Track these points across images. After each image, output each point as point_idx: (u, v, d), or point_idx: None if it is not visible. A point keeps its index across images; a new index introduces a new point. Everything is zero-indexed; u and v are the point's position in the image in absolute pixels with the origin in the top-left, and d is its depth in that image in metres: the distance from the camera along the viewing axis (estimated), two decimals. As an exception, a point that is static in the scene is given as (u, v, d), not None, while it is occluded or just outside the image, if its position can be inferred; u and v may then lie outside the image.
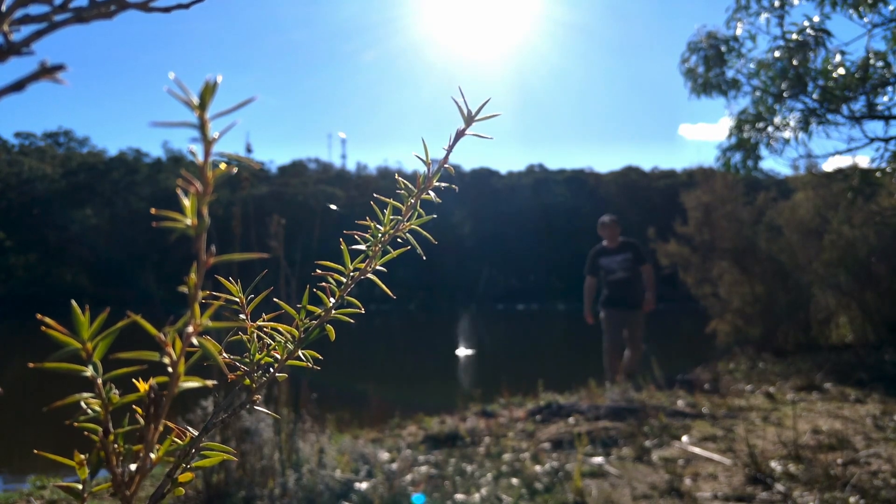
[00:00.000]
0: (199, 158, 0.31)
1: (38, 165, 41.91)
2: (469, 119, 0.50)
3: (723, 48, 4.16)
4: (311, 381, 2.62)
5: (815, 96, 3.86)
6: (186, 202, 0.31)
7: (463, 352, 12.44)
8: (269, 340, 0.49)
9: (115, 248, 37.35)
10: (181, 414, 2.25)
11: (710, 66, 4.20)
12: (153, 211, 0.32)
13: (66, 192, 40.56)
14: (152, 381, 0.37)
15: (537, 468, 2.48)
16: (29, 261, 36.48)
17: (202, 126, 0.30)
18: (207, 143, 0.30)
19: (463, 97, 0.50)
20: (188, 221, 0.30)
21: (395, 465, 2.54)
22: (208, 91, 0.30)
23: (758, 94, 4.19)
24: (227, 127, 0.31)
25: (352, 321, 0.51)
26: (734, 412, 3.11)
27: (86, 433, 0.38)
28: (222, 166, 0.32)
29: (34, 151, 45.73)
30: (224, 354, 0.46)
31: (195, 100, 0.30)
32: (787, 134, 4.14)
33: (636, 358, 5.58)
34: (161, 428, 0.38)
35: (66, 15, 0.37)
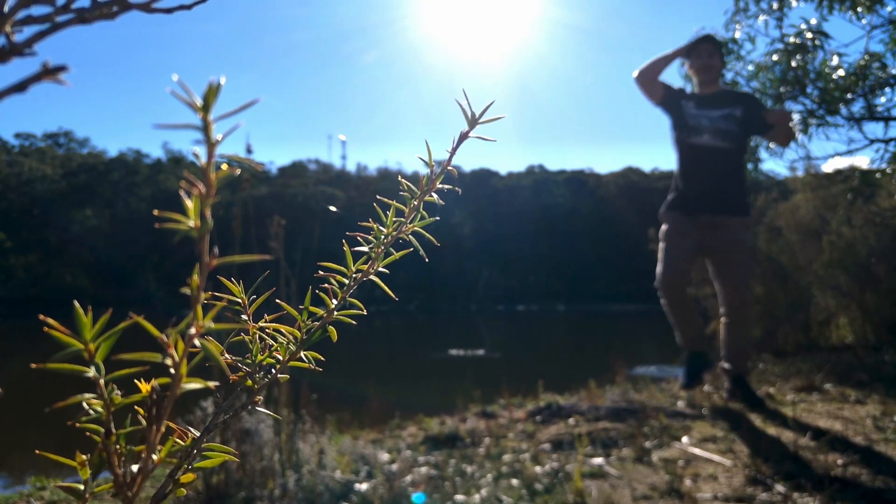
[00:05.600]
0: (202, 160, 0.31)
1: (39, 166, 41.94)
2: (473, 121, 0.50)
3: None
4: (312, 381, 2.62)
5: (814, 98, 3.86)
6: (189, 204, 0.31)
7: (462, 353, 12.42)
8: (270, 342, 0.49)
9: (115, 249, 37.39)
10: (181, 415, 2.24)
11: (709, 69, 4.19)
12: (156, 212, 0.32)
13: (67, 193, 40.59)
14: (154, 382, 0.37)
15: (537, 469, 2.48)
16: (29, 262, 36.50)
17: (205, 128, 0.30)
18: (211, 145, 0.30)
19: (467, 99, 0.50)
20: (191, 223, 0.30)
21: (395, 466, 2.54)
22: (212, 93, 0.30)
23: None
24: (230, 129, 0.31)
25: (353, 322, 0.51)
26: (734, 412, 3.11)
27: (88, 434, 0.38)
28: (224, 167, 0.32)
29: (34, 152, 45.79)
30: (226, 355, 0.46)
31: (198, 102, 0.30)
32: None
33: (745, 323, 3.16)
34: (163, 429, 0.38)
35: (68, 16, 0.37)
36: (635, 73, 3.41)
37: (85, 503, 0.40)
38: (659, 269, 3.25)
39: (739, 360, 3.23)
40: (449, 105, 0.51)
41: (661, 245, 3.30)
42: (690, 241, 3.22)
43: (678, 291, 3.18)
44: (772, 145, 4.22)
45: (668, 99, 3.38)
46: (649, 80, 3.36)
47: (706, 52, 3.34)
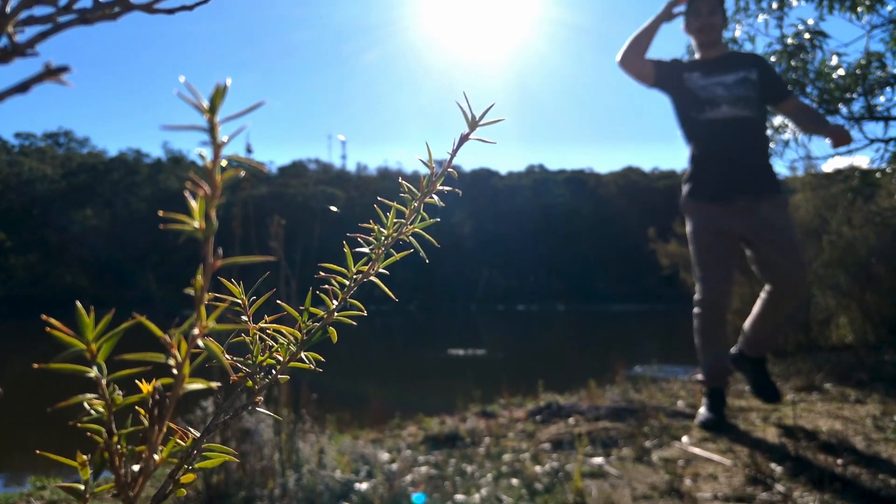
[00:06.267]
0: (208, 161, 0.31)
1: (39, 166, 41.95)
2: (473, 123, 0.50)
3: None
4: (312, 381, 2.62)
5: (813, 98, 3.86)
6: (194, 205, 0.31)
7: (462, 353, 12.42)
8: (271, 342, 0.49)
9: (115, 249, 37.40)
10: (181, 415, 2.25)
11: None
12: (161, 213, 0.32)
13: (67, 193, 40.60)
14: (156, 382, 0.37)
15: (537, 469, 2.48)
16: (29, 261, 36.49)
17: (212, 130, 0.30)
18: (217, 146, 0.30)
19: (467, 101, 0.50)
20: (196, 224, 0.30)
21: (395, 466, 2.54)
22: (218, 95, 0.30)
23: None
24: (236, 131, 0.31)
25: (354, 323, 0.51)
26: (734, 412, 3.11)
27: (88, 434, 0.38)
28: (224, 164, 0.32)
29: (34, 152, 45.81)
30: (226, 356, 0.46)
31: (205, 104, 0.30)
32: (787, 135, 4.15)
33: (795, 303, 2.69)
34: (164, 429, 0.38)
35: (70, 16, 0.37)
36: (618, 57, 2.94)
37: (85, 503, 0.40)
38: (699, 284, 2.79)
39: (769, 341, 2.86)
40: (449, 105, 0.51)
41: (695, 249, 2.83)
42: (729, 241, 2.76)
43: (720, 312, 2.77)
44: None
45: (663, 76, 2.91)
46: (635, 60, 2.90)
47: (707, 9, 2.84)
